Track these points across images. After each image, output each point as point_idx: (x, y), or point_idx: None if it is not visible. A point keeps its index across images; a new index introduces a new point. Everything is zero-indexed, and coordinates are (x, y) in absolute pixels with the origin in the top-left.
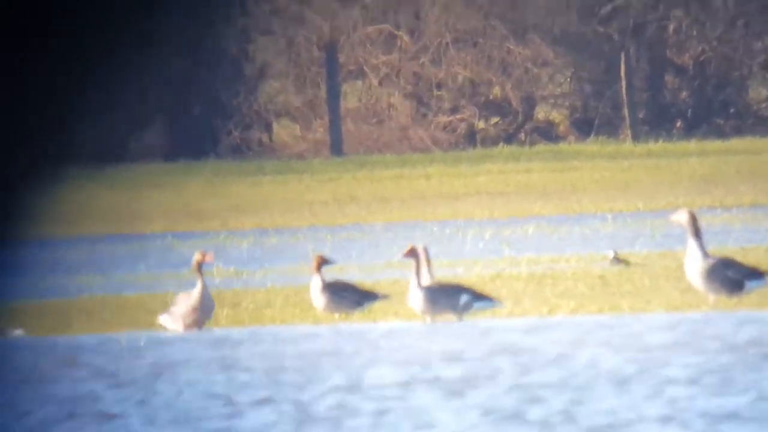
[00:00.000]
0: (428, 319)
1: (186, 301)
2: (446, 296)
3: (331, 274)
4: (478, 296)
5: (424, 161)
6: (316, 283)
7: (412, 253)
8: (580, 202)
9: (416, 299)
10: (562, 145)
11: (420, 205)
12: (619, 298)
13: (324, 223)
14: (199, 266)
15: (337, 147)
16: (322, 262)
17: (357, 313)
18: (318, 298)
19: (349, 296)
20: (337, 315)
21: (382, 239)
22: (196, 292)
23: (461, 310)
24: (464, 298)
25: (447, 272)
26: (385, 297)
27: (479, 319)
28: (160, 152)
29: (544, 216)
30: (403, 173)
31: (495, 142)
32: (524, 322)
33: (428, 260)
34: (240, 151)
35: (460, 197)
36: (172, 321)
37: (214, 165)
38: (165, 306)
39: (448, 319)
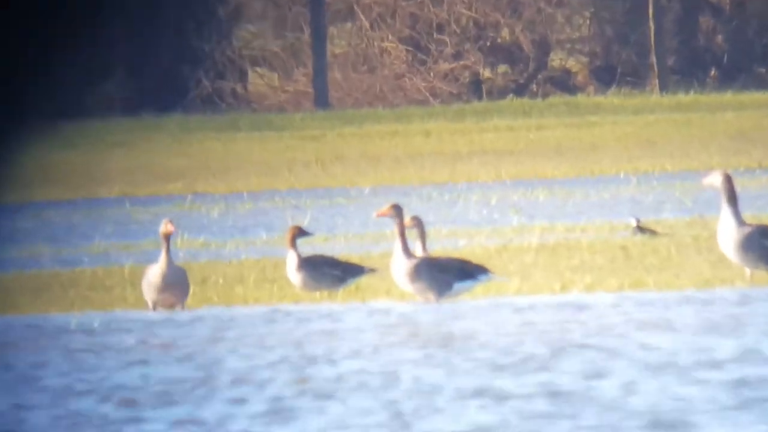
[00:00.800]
0: (430, 298)
1: (147, 276)
2: (424, 273)
3: (314, 246)
4: (474, 271)
5: (422, 115)
6: (291, 259)
7: (393, 212)
8: (599, 162)
9: (400, 271)
10: (580, 98)
11: (416, 166)
12: (642, 273)
13: (306, 186)
14: (167, 238)
15: (321, 99)
16: (298, 233)
17: (342, 291)
18: (294, 275)
19: (329, 271)
20: (318, 293)
21: (373, 205)
22: (157, 268)
23: (447, 291)
24: (451, 279)
25: (446, 243)
26: (372, 271)
27: (484, 298)
28: (120, 106)
29: (559, 178)
30: (397, 129)
31: (503, 93)
32: (535, 299)
33: (422, 232)
34: (211, 103)
35: (463, 157)
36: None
37: (181, 120)
38: (122, 282)
39: (429, 298)
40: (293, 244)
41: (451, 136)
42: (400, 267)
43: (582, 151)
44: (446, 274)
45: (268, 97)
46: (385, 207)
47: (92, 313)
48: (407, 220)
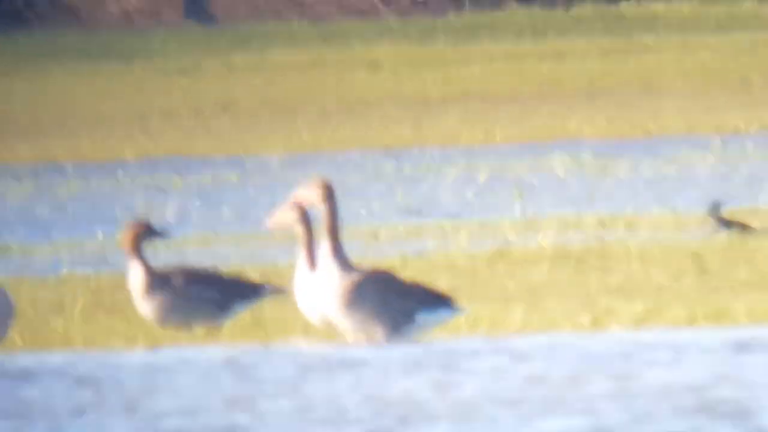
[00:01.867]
0: (375, 336)
1: None
2: (372, 295)
3: (182, 251)
4: (433, 300)
5: (366, 35)
6: (136, 274)
7: (321, 194)
8: (657, 113)
9: (329, 292)
10: (627, 6)
11: (356, 121)
12: (728, 296)
13: (169, 151)
14: None
15: (196, 7)
16: (143, 233)
17: (224, 326)
18: (142, 300)
19: (201, 293)
20: (185, 330)
21: (283, 184)
22: None
23: (406, 326)
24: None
25: (402, 247)
26: (279, 290)
27: (468, 337)
28: None
29: (589, 140)
30: (325, 58)
31: (497, 0)
32: (548, 341)
33: (333, 218)
34: (11, 17)
35: (433, 105)
36: None
37: None
38: None
39: (373, 337)
40: (137, 251)
41: (415, 71)
42: (328, 285)
43: (629, 96)
44: (405, 298)
45: (105, 4)
46: (306, 187)
47: None
48: (315, 189)
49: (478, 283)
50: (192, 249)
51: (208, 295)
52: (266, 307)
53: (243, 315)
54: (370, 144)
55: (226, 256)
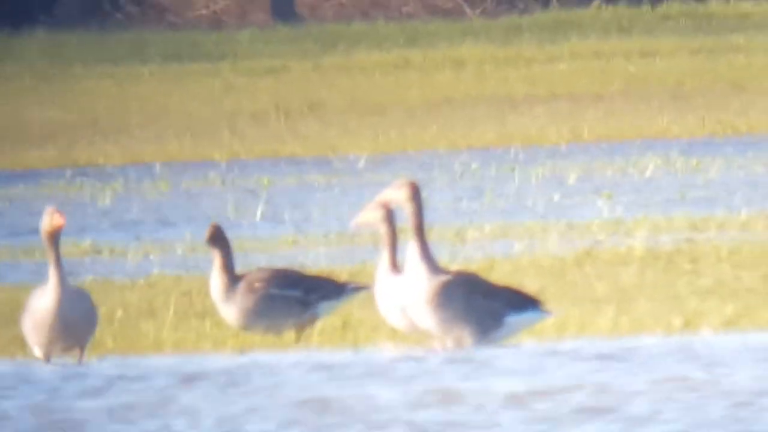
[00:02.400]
0: (463, 339)
1: (32, 308)
2: (460, 297)
3: (269, 253)
4: (521, 302)
5: (451, 35)
6: (216, 276)
7: (408, 193)
8: (746, 111)
9: (415, 293)
10: (714, 4)
11: (442, 120)
12: None
13: (258, 154)
14: (54, 238)
15: (283, 6)
16: (218, 236)
17: (314, 329)
18: (223, 304)
19: (283, 293)
20: (267, 333)
21: (370, 184)
22: (47, 294)
23: (495, 330)
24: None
25: (492, 248)
26: (361, 288)
27: (554, 340)
28: None
29: (680, 139)
30: (409, 58)
31: None
32: (637, 343)
33: (418, 217)
34: (98, 16)
35: (518, 104)
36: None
37: (48, 43)
38: None
39: (461, 340)
40: (218, 247)
41: (500, 70)
42: (415, 286)
43: (718, 94)
44: (493, 301)
45: (193, 2)
46: (393, 187)
47: None
48: (402, 189)
49: (566, 285)
50: (281, 250)
51: (289, 293)
52: (355, 310)
53: (332, 319)
54: (455, 144)
55: (314, 257)
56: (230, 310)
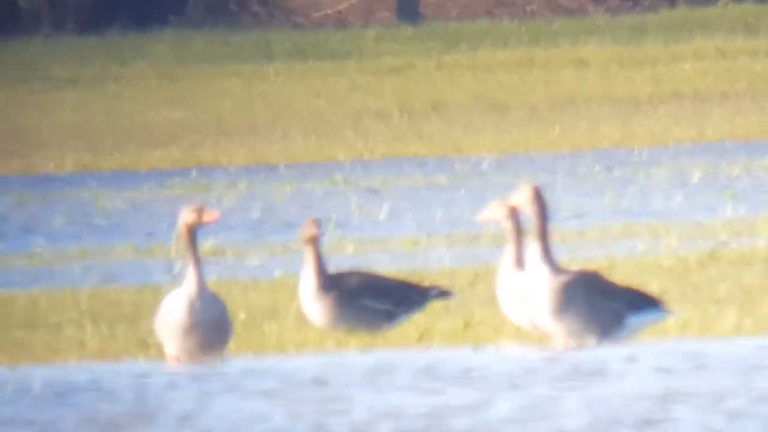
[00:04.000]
0: (586, 338)
1: (166, 310)
2: (582, 297)
3: (391, 252)
4: (643, 302)
5: (574, 33)
6: (308, 276)
7: (533, 197)
8: None
9: (540, 292)
10: None
11: (566, 120)
12: None
13: (380, 152)
14: (192, 233)
15: (408, 7)
16: (317, 233)
17: (395, 331)
18: (312, 304)
19: (375, 305)
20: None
21: (495, 186)
22: (183, 296)
23: (617, 329)
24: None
25: (614, 248)
26: (445, 294)
27: (681, 338)
28: (77, 21)
29: None
30: (533, 57)
31: None
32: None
33: (543, 219)
34: (224, 15)
35: (643, 104)
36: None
37: (173, 42)
38: (79, 316)
39: (583, 340)
40: (315, 249)
41: (624, 70)
42: (537, 287)
43: None
44: (615, 300)
45: (318, 2)
46: (520, 191)
47: (30, 367)
48: (524, 191)
49: (689, 286)
50: (403, 250)
51: (380, 306)
52: (477, 310)
53: (454, 319)
54: (579, 144)
55: (437, 258)
56: (319, 312)
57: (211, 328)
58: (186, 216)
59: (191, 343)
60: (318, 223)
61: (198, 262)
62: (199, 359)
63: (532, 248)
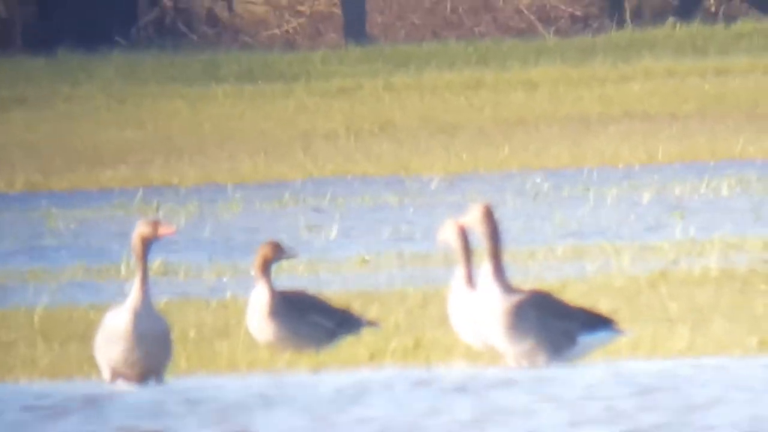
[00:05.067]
0: (537, 357)
1: (107, 326)
2: (533, 317)
3: (332, 273)
4: (595, 322)
5: (524, 54)
6: (260, 295)
7: (483, 218)
8: None
9: (490, 312)
10: None
11: (515, 140)
12: None
13: (329, 172)
14: (145, 247)
15: (355, 27)
16: (276, 254)
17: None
18: (262, 323)
19: (322, 322)
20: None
21: (444, 205)
22: (125, 311)
23: (568, 348)
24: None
25: (565, 269)
26: (373, 325)
27: (633, 357)
28: (24, 41)
29: (753, 160)
30: (482, 78)
31: (660, 16)
32: (716, 362)
33: (494, 238)
34: (172, 35)
35: (593, 124)
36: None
37: (121, 62)
38: (31, 334)
39: (534, 359)
40: (265, 271)
41: (574, 90)
42: (489, 306)
43: None
44: (567, 320)
45: (265, 23)
46: (472, 210)
47: None
48: (474, 211)
49: (640, 306)
50: (353, 270)
51: (325, 324)
52: (427, 330)
53: (405, 338)
54: (528, 164)
55: (387, 278)
56: (272, 329)
57: (154, 341)
58: (141, 229)
59: (133, 357)
60: (278, 246)
61: (145, 277)
62: (138, 378)
63: (484, 268)
